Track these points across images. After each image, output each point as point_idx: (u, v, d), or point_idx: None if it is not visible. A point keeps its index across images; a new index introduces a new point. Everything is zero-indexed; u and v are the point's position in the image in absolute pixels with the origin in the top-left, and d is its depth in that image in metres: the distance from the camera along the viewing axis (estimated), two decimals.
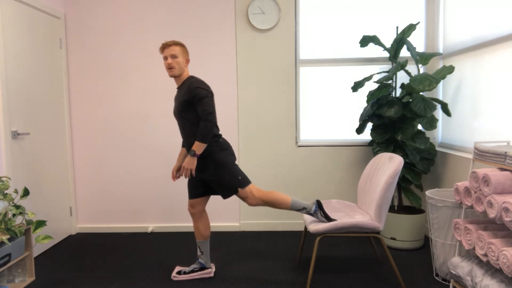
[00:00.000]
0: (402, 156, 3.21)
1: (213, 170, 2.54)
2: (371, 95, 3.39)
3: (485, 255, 1.95)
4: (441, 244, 2.61)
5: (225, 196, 2.59)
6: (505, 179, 1.93)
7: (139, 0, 3.66)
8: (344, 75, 3.71)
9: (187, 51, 2.64)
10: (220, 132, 2.63)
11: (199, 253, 2.75)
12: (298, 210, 2.57)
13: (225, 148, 2.59)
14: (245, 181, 2.58)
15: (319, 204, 2.54)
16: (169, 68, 2.55)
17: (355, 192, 3.75)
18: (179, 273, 2.74)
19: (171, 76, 2.59)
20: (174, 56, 2.55)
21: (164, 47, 2.57)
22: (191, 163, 2.47)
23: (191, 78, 2.57)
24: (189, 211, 2.75)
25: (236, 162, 2.95)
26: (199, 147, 2.44)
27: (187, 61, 2.62)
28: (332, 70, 3.71)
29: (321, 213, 2.52)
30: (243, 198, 2.59)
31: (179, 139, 3.75)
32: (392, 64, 3.42)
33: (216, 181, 2.55)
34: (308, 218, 2.64)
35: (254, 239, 3.53)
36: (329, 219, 2.50)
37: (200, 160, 2.57)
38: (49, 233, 3.40)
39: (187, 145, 2.63)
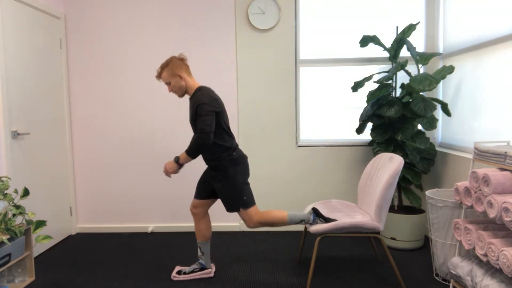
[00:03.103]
0: (402, 156, 3.21)
1: (221, 183, 2.53)
2: (371, 95, 3.39)
3: (485, 255, 1.95)
4: (441, 244, 2.61)
5: (228, 210, 2.59)
6: (505, 179, 1.93)
7: (139, 0, 3.66)
8: (344, 75, 3.71)
9: (176, 64, 2.49)
10: (235, 143, 2.59)
11: (199, 253, 2.74)
12: (297, 223, 2.56)
13: (239, 163, 2.52)
14: (249, 203, 2.54)
15: (316, 213, 2.53)
16: (173, 93, 2.54)
17: (355, 192, 3.75)
18: (179, 273, 2.74)
19: (180, 97, 2.59)
20: (167, 83, 2.53)
21: (157, 78, 2.56)
22: (171, 167, 2.47)
23: (199, 90, 2.49)
24: (191, 211, 2.75)
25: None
26: (185, 158, 2.43)
27: (181, 77, 2.49)
28: (332, 70, 3.71)
29: (320, 219, 2.51)
30: (243, 219, 2.57)
31: (179, 139, 3.75)
32: (392, 64, 3.42)
33: (222, 194, 2.56)
34: None
35: (254, 239, 3.53)
36: (329, 221, 2.49)
37: (212, 171, 2.57)
38: (49, 233, 3.40)
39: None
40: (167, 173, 2.49)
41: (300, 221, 2.54)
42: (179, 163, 2.45)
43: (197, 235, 2.73)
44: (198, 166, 3.77)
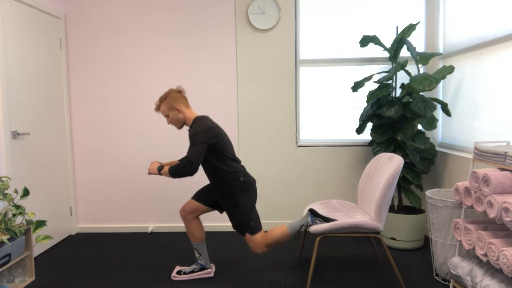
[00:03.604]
0: (402, 156, 3.21)
1: (229, 207, 2.55)
2: (371, 95, 3.39)
3: (485, 255, 1.95)
4: (441, 244, 2.61)
5: (234, 229, 2.60)
6: (505, 179, 1.93)
7: (139, 0, 3.66)
8: (344, 75, 3.71)
9: (174, 97, 2.53)
10: (241, 167, 2.58)
11: (197, 254, 2.74)
12: (299, 230, 2.56)
13: (247, 188, 2.54)
14: (256, 229, 2.55)
15: (313, 213, 2.53)
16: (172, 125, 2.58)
17: (355, 192, 3.75)
18: (179, 273, 2.74)
19: (179, 129, 2.61)
20: (166, 116, 2.57)
21: (156, 110, 2.60)
22: (153, 169, 2.51)
23: (195, 121, 2.51)
24: (180, 213, 2.73)
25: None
26: (166, 173, 2.45)
27: (178, 110, 2.52)
28: (332, 70, 3.71)
29: (319, 219, 2.51)
30: (250, 246, 2.57)
31: (179, 139, 3.75)
32: (392, 64, 3.42)
33: (230, 216, 2.58)
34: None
35: None
36: (328, 220, 2.49)
37: (220, 195, 2.58)
38: (49, 233, 3.40)
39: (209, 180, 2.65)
40: (149, 171, 2.54)
41: (301, 227, 2.54)
42: (160, 172, 2.48)
43: (190, 237, 2.72)
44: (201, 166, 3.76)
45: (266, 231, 2.62)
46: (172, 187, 3.79)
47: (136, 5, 3.67)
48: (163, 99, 2.55)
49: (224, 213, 3.80)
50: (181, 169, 2.38)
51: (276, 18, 3.59)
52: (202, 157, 2.39)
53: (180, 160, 2.70)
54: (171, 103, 2.53)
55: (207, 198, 2.68)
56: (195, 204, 2.69)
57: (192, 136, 2.41)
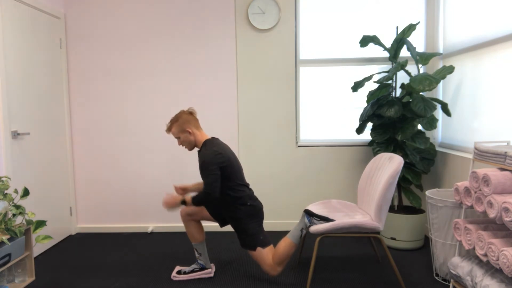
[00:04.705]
0: (402, 156, 3.21)
1: (239, 232, 2.59)
2: (371, 95, 3.39)
3: (485, 255, 1.95)
4: (441, 244, 2.61)
5: (243, 247, 2.61)
6: (505, 179, 1.93)
7: (139, 0, 3.66)
8: (344, 75, 3.71)
9: (185, 120, 2.56)
10: (248, 191, 2.60)
11: (197, 254, 2.74)
12: (301, 236, 2.56)
13: (254, 214, 2.56)
14: (267, 241, 2.58)
15: (308, 213, 2.53)
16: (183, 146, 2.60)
17: (355, 192, 3.74)
18: (179, 273, 2.74)
19: (190, 150, 2.63)
20: (177, 137, 2.60)
21: (167, 132, 2.63)
22: (171, 204, 2.49)
23: (205, 145, 2.54)
24: (180, 214, 2.74)
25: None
26: (190, 204, 2.46)
27: (190, 132, 2.55)
28: (332, 70, 3.71)
29: (316, 218, 2.52)
30: (265, 270, 2.57)
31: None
32: (392, 64, 3.42)
33: (239, 237, 2.61)
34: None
35: None
36: (326, 219, 2.49)
37: (228, 218, 2.61)
38: (49, 233, 3.39)
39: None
40: (167, 206, 2.50)
41: (301, 231, 2.55)
42: (185, 204, 2.49)
43: (189, 237, 2.73)
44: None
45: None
46: (172, 187, 3.79)
47: (136, 5, 3.67)
48: (175, 121, 2.57)
49: None
50: (203, 199, 2.43)
51: (276, 18, 3.59)
52: (217, 183, 2.42)
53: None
54: (182, 126, 2.55)
55: (216, 210, 2.69)
56: (200, 208, 2.69)
57: (202, 165, 2.43)
